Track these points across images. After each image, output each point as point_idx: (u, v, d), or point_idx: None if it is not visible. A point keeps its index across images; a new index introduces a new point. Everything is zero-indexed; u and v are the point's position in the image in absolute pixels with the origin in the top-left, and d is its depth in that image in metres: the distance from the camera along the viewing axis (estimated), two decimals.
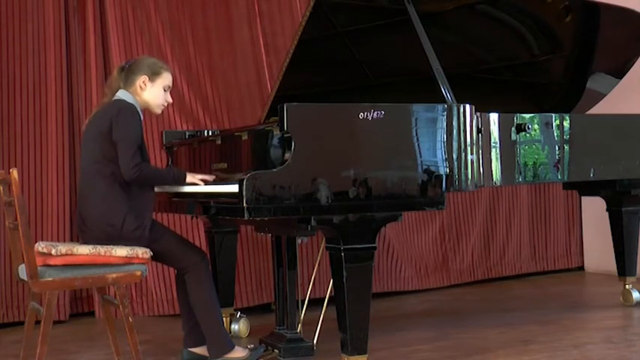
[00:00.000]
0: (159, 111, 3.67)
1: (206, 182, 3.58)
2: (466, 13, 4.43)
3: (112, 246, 3.32)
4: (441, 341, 4.11)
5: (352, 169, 3.26)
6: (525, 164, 3.92)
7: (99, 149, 3.44)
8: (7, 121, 4.96)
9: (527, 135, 3.92)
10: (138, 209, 3.45)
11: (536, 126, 3.97)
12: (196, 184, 3.56)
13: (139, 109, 3.54)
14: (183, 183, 3.57)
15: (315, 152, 3.23)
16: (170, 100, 3.68)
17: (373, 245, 3.33)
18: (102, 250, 3.27)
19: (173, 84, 3.71)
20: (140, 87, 3.57)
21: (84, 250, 3.26)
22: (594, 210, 6.02)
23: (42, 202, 4.99)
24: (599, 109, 5.04)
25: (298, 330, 3.87)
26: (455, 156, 3.51)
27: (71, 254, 3.23)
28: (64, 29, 5.09)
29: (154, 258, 3.48)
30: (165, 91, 3.63)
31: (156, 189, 3.67)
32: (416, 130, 3.44)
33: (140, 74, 3.58)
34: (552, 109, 4.42)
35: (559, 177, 4.14)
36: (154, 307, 5.10)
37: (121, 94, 3.56)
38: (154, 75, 3.59)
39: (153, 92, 3.60)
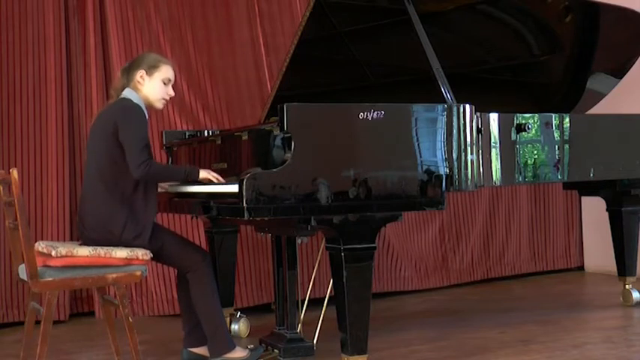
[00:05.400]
0: (160, 105, 3.63)
1: (219, 181, 3.54)
2: (466, 13, 4.44)
3: (112, 247, 3.31)
4: (441, 341, 4.11)
5: (352, 169, 3.26)
6: (525, 164, 3.92)
7: (104, 151, 3.43)
8: (7, 121, 4.96)
9: (527, 135, 3.92)
10: (139, 217, 3.43)
11: (536, 126, 3.97)
12: (211, 180, 3.51)
13: (143, 108, 3.52)
14: (197, 178, 3.50)
15: (315, 152, 3.23)
16: (172, 93, 3.64)
17: (373, 245, 3.33)
18: (102, 251, 3.27)
19: (172, 83, 3.68)
20: (138, 82, 3.55)
21: (84, 251, 3.26)
22: (594, 210, 6.02)
23: (42, 202, 4.99)
24: (599, 109, 5.05)
25: (298, 330, 3.87)
26: (455, 156, 3.51)
27: (71, 256, 3.23)
28: (64, 30, 5.09)
29: (155, 259, 3.48)
30: (165, 84, 3.60)
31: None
32: (416, 130, 3.44)
33: (138, 69, 3.56)
34: (552, 109, 4.42)
35: (559, 177, 4.14)
36: (154, 307, 5.10)
37: (127, 93, 3.55)
38: (151, 69, 3.56)
39: (151, 86, 3.57)
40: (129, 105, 3.48)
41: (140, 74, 3.56)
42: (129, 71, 3.60)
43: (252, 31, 5.43)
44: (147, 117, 3.52)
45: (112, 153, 3.41)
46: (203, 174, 3.52)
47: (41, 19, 5.03)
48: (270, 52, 5.44)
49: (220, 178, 3.56)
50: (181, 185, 3.74)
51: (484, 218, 6.23)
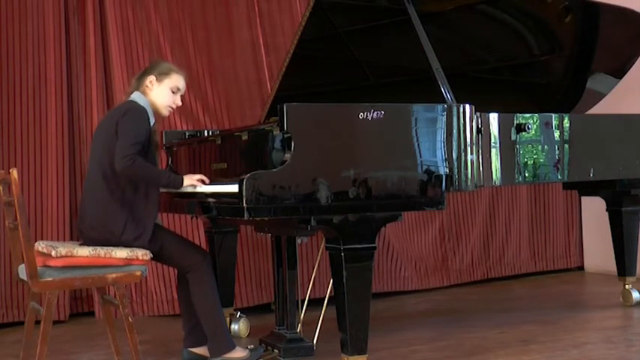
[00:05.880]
0: (166, 113, 3.65)
1: (203, 183, 3.53)
2: (466, 13, 4.44)
3: (112, 247, 3.31)
4: (441, 341, 4.11)
5: (352, 169, 3.26)
6: (525, 164, 3.92)
7: (106, 151, 3.43)
8: (7, 121, 4.96)
9: (527, 135, 3.92)
10: (139, 218, 3.42)
11: (536, 126, 3.97)
12: (194, 185, 3.52)
13: (149, 112, 3.53)
14: (180, 187, 3.51)
15: (315, 152, 3.23)
16: (179, 102, 3.66)
17: (373, 245, 3.33)
18: (102, 252, 3.27)
19: None
20: (147, 86, 3.60)
21: (84, 251, 3.26)
22: (594, 210, 6.02)
23: (42, 202, 4.99)
24: (599, 109, 5.04)
25: (298, 330, 3.87)
26: (455, 156, 3.51)
27: (71, 256, 3.23)
28: (64, 29, 5.09)
29: (155, 259, 3.48)
30: (173, 92, 3.62)
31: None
32: (416, 130, 3.44)
33: (149, 75, 3.61)
34: (552, 109, 4.42)
35: (559, 177, 4.14)
36: (154, 307, 5.10)
37: (135, 96, 3.59)
38: (161, 75, 3.60)
39: (159, 92, 3.60)
40: (134, 106, 3.50)
41: (150, 79, 3.60)
42: (141, 77, 3.65)
43: (252, 31, 5.43)
44: (152, 122, 3.53)
45: (114, 153, 3.40)
46: (187, 182, 3.50)
47: (41, 19, 5.03)
48: (270, 52, 5.44)
49: (205, 179, 3.54)
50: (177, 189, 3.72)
51: (484, 218, 6.23)
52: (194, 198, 3.67)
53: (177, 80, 3.64)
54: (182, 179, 3.51)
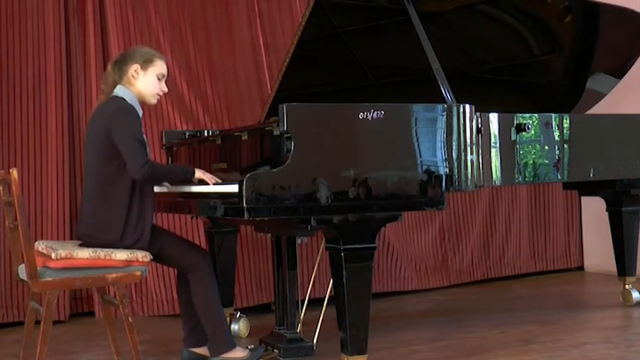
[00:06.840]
0: (154, 101, 3.60)
1: (208, 183, 3.53)
2: (466, 13, 4.44)
3: (111, 249, 3.30)
4: (441, 341, 4.11)
5: (352, 169, 3.26)
6: (525, 164, 3.92)
7: (99, 153, 3.41)
8: (7, 121, 4.96)
9: (527, 135, 3.92)
10: (137, 222, 3.41)
11: (536, 126, 3.97)
12: (204, 180, 3.51)
13: (137, 106, 3.49)
14: (192, 178, 3.51)
15: (315, 152, 3.23)
16: (165, 89, 3.60)
17: (373, 245, 3.33)
18: (102, 253, 3.26)
19: (172, 83, 3.67)
20: (132, 76, 3.50)
21: (84, 253, 3.25)
22: (594, 210, 6.02)
23: (42, 202, 4.99)
24: (599, 109, 5.05)
25: (298, 330, 3.87)
26: (455, 156, 3.51)
27: (71, 258, 3.22)
28: (64, 29, 5.09)
29: (155, 260, 3.48)
30: (159, 79, 3.55)
31: (156, 189, 3.64)
32: (416, 130, 3.44)
33: (132, 63, 3.51)
34: (552, 109, 4.42)
35: (559, 177, 4.14)
36: (154, 307, 5.10)
37: (119, 91, 3.50)
38: (146, 63, 3.51)
39: (146, 81, 3.52)
40: (122, 105, 3.43)
41: (134, 68, 3.50)
42: (122, 64, 3.53)
43: (252, 31, 5.43)
44: (141, 114, 3.49)
45: (108, 161, 3.38)
46: (198, 174, 3.53)
47: (41, 19, 5.03)
48: (270, 52, 5.44)
49: (213, 180, 3.54)
50: (181, 185, 3.73)
51: (484, 218, 6.23)
52: (194, 198, 3.68)
53: (161, 67, 3.56)
54: (193, 169, 3.52)
